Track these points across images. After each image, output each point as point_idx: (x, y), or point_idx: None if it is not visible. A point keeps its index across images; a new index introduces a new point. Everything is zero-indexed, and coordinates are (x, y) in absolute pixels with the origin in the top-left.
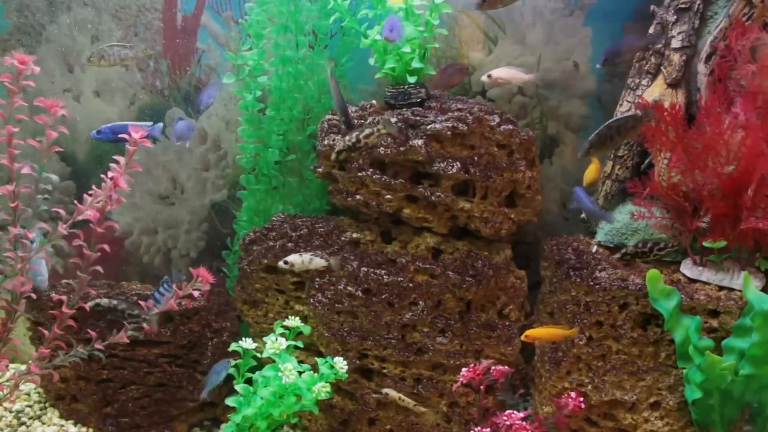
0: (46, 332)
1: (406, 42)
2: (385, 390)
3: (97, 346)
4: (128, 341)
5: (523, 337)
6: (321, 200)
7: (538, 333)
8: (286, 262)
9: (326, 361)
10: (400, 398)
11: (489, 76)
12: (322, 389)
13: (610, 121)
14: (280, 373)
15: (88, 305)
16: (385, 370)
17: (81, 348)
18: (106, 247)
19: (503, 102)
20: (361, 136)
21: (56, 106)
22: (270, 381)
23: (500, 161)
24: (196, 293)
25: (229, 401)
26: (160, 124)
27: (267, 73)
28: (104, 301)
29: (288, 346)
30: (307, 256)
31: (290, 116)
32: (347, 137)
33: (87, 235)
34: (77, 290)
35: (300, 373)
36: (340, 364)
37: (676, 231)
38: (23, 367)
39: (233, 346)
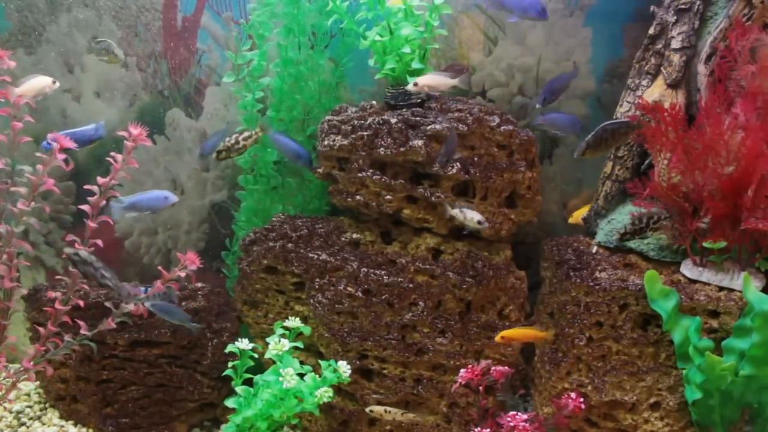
0: (41, 329)
1: (406, 43)
2: (369, 408)
3: (83, 332)
4: (115, 326)
5: (498, 338)
6: (320, 200)
7: (514, 333)
8: (461, 210)
9: (329, 365)
10: (386, 410)
11: (415, 84)
12: (325, 394)
13: (606, 123)
14: (281, 378)
15: (66, 251)
16: (385, 371)
17: (70, 338)
18: (99, 242)
19: (503, 102)
20: (240, 138)
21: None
22: (271, 386)
23: (500, 162)
24: (182, 273)
25: (229, 402)
26: (102, 123)
27: (268, 73)
28: (83, 253)
29: (289, 347)
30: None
31: (290, 117)
32: (227, 138)
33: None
34: (70, 286)
35: (301, 375)
36: (344, 368)
37: (676, 231)
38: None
39: (230, 348)
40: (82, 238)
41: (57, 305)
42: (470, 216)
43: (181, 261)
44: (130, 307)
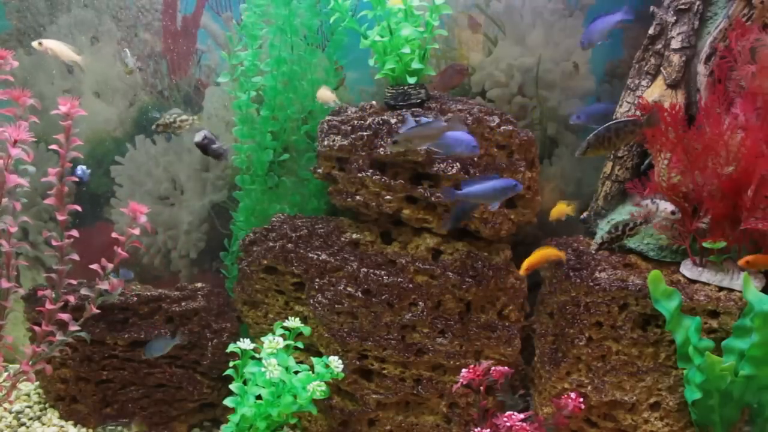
0: (36, 328)
1: (406, 43)
2: None
3: (72, 328)
4: (99, 311)
5: (523, 272)
6: (319, 200)
7: (534, 259)
8: (653, 201)
9: (322, 360)
10: None
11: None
12: (317, 388)
13: (610, 123)
14: (263, 369)
15: (197, 139)
16: (384, 371)
17: (61, 335)
18: (75, 233)
19: (503, 103)
20: (178, 119)
21: (24, 96)
22: (257, 377)
23: (500, 162)
24: (137, 231)
25: (227, 402)
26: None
27: (261, 73)
28: (209, 134)
29: (287, 346)
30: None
31: (285, 116)
32: (166, 115)
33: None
34: (58, 283)
35: (296, 372)
36: (336, 363)
37: (676, 232)
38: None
39: (231, 348)
40: (82, 237)
41: (48, 304)
42: (663, 206)
43: (130, 214)
44: (105, 285)
